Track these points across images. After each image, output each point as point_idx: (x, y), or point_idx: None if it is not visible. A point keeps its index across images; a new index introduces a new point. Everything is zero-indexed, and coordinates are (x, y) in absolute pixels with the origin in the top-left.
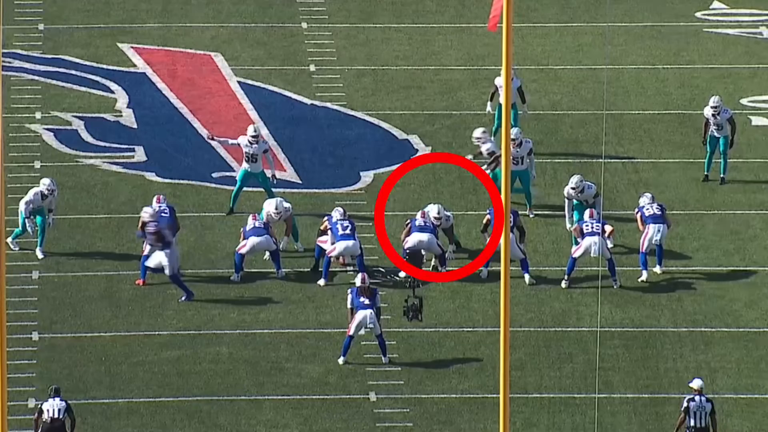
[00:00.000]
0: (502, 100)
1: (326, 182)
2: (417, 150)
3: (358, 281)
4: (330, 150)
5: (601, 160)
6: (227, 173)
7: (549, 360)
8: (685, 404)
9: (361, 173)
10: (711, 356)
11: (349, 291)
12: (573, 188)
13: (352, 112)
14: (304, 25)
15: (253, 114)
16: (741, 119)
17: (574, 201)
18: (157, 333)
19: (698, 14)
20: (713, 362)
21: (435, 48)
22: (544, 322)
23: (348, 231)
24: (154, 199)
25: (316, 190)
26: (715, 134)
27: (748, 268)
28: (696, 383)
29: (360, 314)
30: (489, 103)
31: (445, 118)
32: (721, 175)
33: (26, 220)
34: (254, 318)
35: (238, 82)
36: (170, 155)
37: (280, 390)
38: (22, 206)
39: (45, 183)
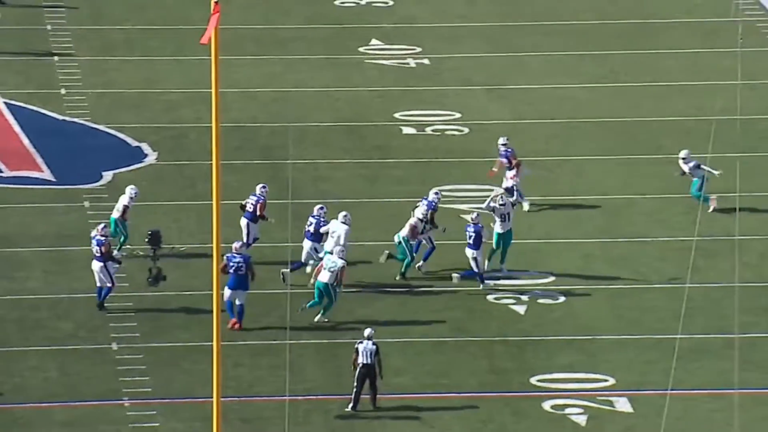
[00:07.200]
0: None
1: (75, 180)
2: (147, 154)
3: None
4: (78, 155)
5: (289, 162)
6: None
7: (252, 316)
8: (356, 346)
9: (103, 173)
10: (374, 311)
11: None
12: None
13: (96, 125)
14: (56, 58)
15: (16, 127)
16: (395, 129)
17: None
18: None
19: (361, 49)
20: (376, 315)
21: (159, 75)
22: (251, 286)
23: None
24: None
25: (67, 186)
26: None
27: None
28: (366, 332)
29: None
30: None
31: (169, 129)
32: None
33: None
34: (21, 286)
35: (4, 103)
36: None
37: (42, 342)
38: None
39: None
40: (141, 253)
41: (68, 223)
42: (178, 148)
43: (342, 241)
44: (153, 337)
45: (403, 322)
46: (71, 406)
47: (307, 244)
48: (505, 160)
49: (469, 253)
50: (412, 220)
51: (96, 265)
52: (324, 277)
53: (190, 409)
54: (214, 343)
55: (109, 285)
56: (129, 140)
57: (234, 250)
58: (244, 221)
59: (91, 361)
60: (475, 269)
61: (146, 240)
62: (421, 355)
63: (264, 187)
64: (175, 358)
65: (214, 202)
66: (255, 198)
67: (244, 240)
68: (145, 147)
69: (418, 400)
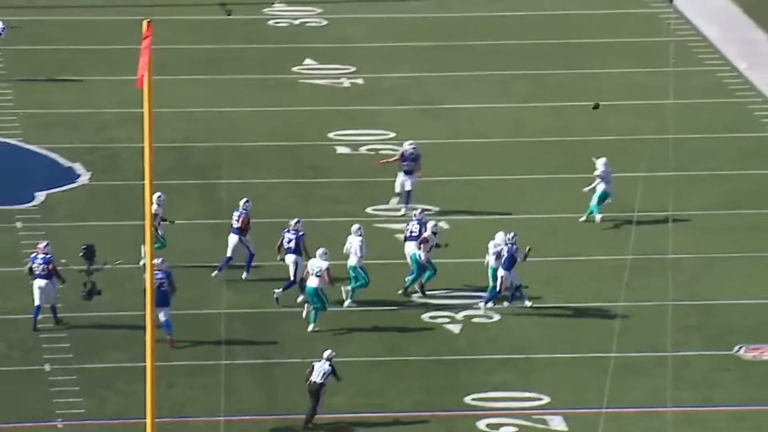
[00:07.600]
0: None
1: (7, 201)
2: (79, 175)
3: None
4: (10, 175)
5: (223, 181)
6: None
7: (186, 335)
8: (313, 363)
9: (35, 193)
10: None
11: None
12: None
13: (28, 146)
14: None
15: None
16: (329, 149)
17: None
18: None
19: (294, 69)
20: (311, 333)
21: (92, 95)
22: (181, 306)
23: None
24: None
25: None
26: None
27: (336, 262)
28: (326, 353)
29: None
30: None
31: (102, 150)
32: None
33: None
34: None
35: None
36: None
37: None
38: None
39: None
40: (75, 268)
41: (0, 243)
42: (111, 168)
43: (360, 253)
44: (86, 357)
45: (338, 340)
46: (4, 428)
47: (290, 258)
48: (406, 163)
49: (501, 272)
50: (425, 234)
51: (41, 282)
52: (313, 282)
53: (123, 430)
54: (148, 364)
55: (53, 303)
56: (62, 160)
57: (155, 267)
58: (234, 238)
59: (24, 382)
60: (498, 288)
61: (80, 255)
62: (356, 375)
63: (247, 201)
64: (109, 378)
65: (146, 222)
66: (238, 213)
67: (249, 253)
68: (78, 167)
69: (352, 419)
